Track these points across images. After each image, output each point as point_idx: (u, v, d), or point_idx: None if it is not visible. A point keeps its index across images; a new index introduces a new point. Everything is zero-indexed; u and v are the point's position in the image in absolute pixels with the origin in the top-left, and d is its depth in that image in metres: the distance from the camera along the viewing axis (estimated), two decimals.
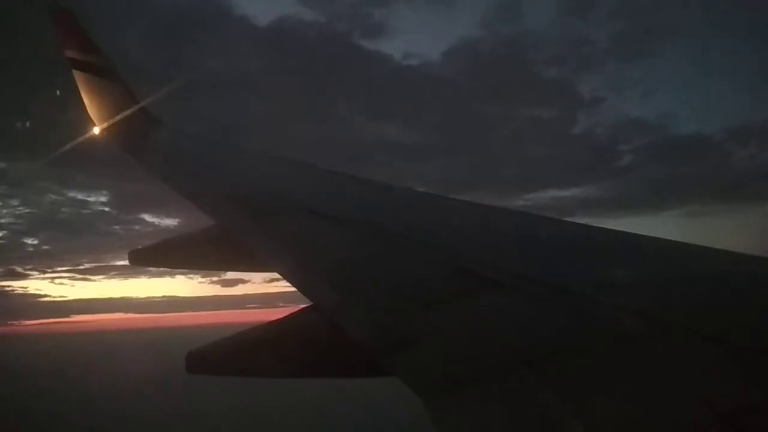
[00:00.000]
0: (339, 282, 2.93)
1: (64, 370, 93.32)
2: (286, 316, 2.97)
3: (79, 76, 6.57)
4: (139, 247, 4.50)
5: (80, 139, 6.32)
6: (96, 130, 6.48)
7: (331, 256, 3.26)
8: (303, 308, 2.90)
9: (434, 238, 3.33)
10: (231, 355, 2.92)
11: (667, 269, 2.63)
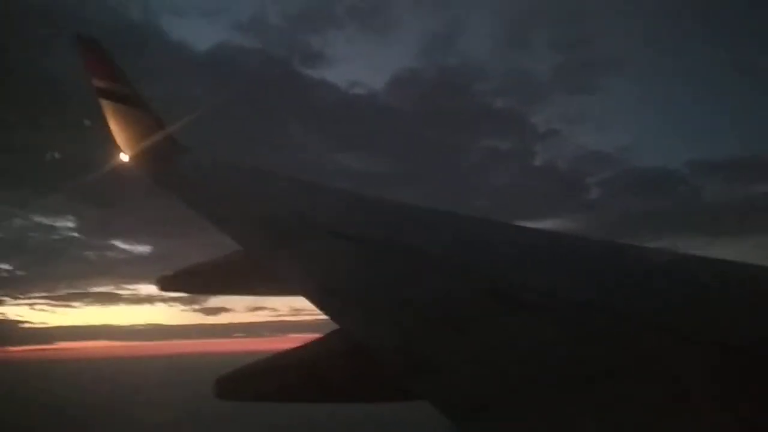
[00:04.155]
0: (368, 305, 2.95)
1: (76, 398, 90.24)
2: (312, 341, 2.99)
3: (106, 105, 6.72)
4: (169, 274, 4.58)
5: (109, 167, 6.49)
6: (125, 158, 6.65)
7: (360, 280, 3.28)
8: (330, 333, 2.91)
9: (463, 258, 3.30)
10: (263, 381, 2.95)
11: (700, 284, 2.59)
